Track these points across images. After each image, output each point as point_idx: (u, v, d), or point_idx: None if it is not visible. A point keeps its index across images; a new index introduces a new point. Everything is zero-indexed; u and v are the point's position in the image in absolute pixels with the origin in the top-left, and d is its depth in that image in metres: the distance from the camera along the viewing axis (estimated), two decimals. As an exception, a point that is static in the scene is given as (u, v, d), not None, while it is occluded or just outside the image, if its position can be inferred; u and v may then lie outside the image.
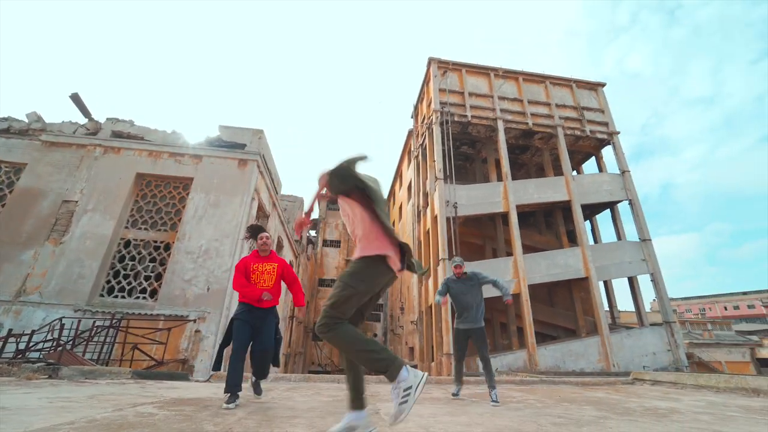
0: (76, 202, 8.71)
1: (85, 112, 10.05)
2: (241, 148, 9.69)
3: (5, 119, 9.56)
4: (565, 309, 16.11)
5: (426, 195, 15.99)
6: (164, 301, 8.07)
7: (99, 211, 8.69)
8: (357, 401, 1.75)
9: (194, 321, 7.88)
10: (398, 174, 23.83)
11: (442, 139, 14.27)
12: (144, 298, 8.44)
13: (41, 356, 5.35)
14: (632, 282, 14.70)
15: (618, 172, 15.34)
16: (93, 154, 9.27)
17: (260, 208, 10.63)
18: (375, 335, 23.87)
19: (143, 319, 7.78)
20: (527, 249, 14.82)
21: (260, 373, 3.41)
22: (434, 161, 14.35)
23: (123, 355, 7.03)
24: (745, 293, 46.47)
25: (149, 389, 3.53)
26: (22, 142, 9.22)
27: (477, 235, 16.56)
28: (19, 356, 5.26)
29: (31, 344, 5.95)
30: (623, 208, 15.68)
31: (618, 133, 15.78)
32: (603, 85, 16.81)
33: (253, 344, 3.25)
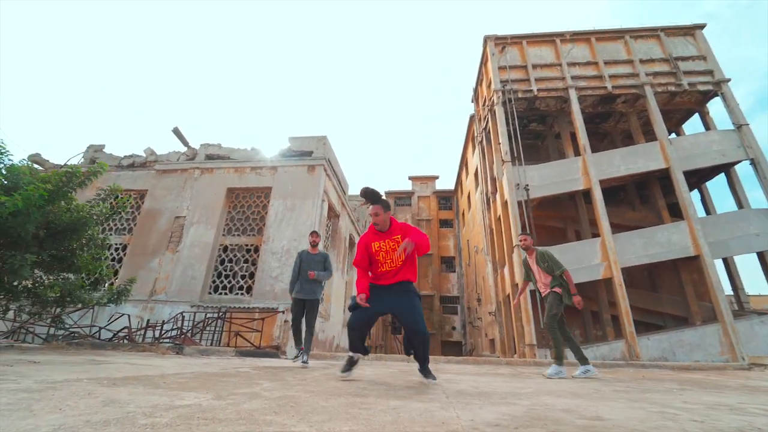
0: (185, 216, 10.45)
1: (184, 141, 11.96)
2: (309, 156, 10.54)
3: (131, 156, 11.89)
4: (672, 294, 13.99)
5: (494, 180, 15.34)
6: (258, 295, 9.23)
7: (202, 222, 10.29)
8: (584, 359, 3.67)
9: (282, 312, 8.86)
10: (464, 162, 23.20)
11: (506, 119, 13.54)
12: (242, 294, 9.76)
13: (170, 341, 6.64)
14: (763, 259, 12.11)
15: (731, 127, 12.76)
16: (193, 176, 10.99)
17: (330, 208, 11.42)
18: (453, 328, 23.68)
19: (242, 311, 9.01)
20: (619, 228, 13.23)
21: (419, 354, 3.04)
22: (499, 144, 13.70)
23: (229, 341, 8.26)
24: None
25: (248, 361, 4.24)
26: (143, 173, 11.37)
27: (556, 217, 15.33)
28: (156, 341, 6.61)
29: (163, 332, 7.40)
30: (743, 170, 13.02)
31: (728, 80, 13.11)
32: (702, 26, 14.10)
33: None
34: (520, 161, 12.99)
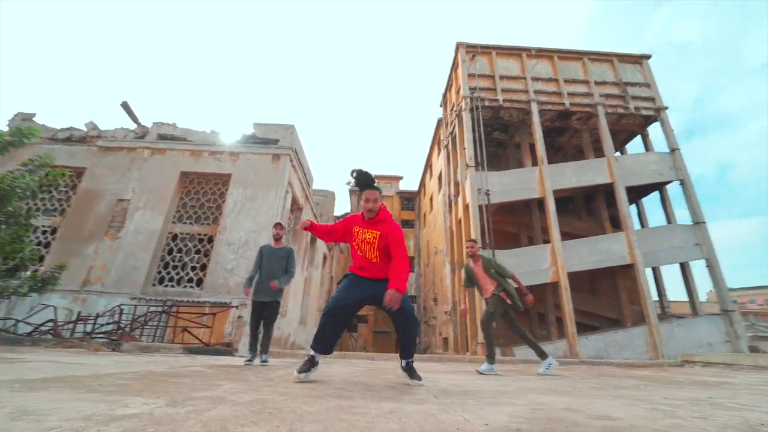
0: (129, 200, 9.47)
1: (133, 117, 10.85)
2: (274, 144, 10.04)
3: (68, 129, 10.54)
4: (608, 298, 15.29)
5: (457, 184, 15.72)
6: (209, 289, 8.61)
7: (149, 208, 9.38)
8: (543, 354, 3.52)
9: (236, 307, 8.34)
10: (428, 165, 23.59)
11: (473, 125, 13.92)
12: (191, 286, 9.04)
13: (104, 337, 5.94)
14: (684, 269, 13.63)
15: (667, 150, 14.21)
16: (142, 156, 9.99)
17: (294, 200, 10.98)
18: (409, 326, 24.02)
19: (191, 305, 8.35)
20: (567, 236, 14.18)
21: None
22: (464, 149, 14.06)
23: (174, 337, 7.60)
24: (822, 282, 41.56)
25: (199, 359, 3.85)
26: (82, 149, 10.13)
27: (511, 223, 16.08)
28: (88, 336, 5.87)
29: (96, 327, 6.61)
30: (673, 189, 14.59)
31: (666, 108, 14.58)
32: (648, 57, 15.56)
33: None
34: (483, 167, 13.42)
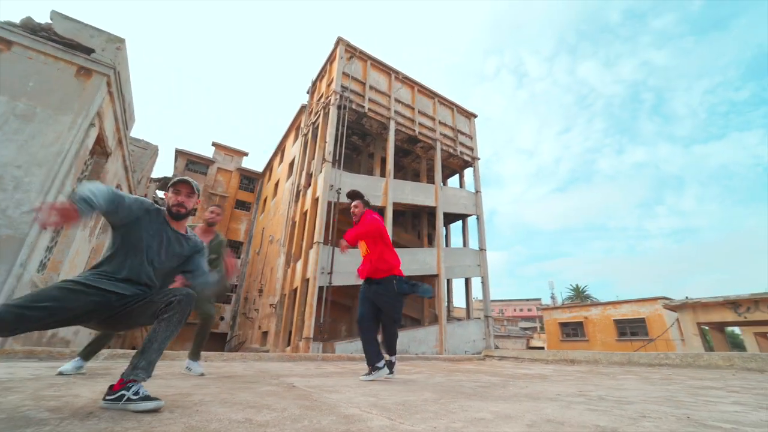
0: None
1: None
2: (86, 53, 7.16)
3: None
4: (414, 301, 18.10)
5: (310, 175, 15.41)
6: None
7: None
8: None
9: (-45, 275, 5.31)
10: (280, 149, 22.26)
11: (338, 122, 14.04)
12: None
13: None
14: (467, 282, 17.69)
15: (473, 191, 18.28)
16: None
17: (99, 140, 8.07)
18: (222, 318, 21.54)
19: None
20: (394, 245, 16.03)
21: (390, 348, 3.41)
22: (325, 142, 13.98)
23: None
24: (527, 300, 63.90)
25: None
26: None
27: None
28: None
29: None
30: (471, 221, 18.82)
31: (479, 159, 18.83)
32: (475, 116, 19.82)
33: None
34: (340, 165, 13.69)
